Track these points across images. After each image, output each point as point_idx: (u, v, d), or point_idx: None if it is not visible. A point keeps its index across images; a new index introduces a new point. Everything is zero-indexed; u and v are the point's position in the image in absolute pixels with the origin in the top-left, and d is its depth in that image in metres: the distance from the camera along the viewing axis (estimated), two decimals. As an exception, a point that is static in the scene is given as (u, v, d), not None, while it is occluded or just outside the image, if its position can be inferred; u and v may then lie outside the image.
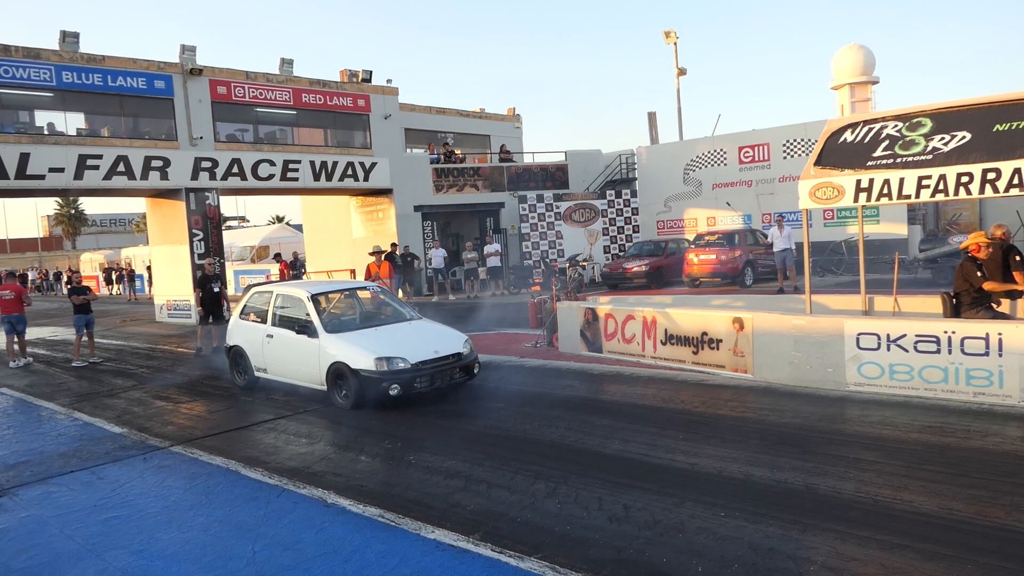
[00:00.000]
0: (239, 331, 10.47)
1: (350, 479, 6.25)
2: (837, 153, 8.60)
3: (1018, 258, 8.42)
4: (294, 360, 9.35)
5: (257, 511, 5.66)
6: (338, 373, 8.65)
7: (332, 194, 25.40)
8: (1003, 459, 5.79)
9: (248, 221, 61.94)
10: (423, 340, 9.00)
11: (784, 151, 23.44)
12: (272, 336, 9.68)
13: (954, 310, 8.22)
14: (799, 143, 22.92)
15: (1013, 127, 7.47)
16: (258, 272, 30.89)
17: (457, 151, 27.43)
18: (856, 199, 8.11)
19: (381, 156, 24.06)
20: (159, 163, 19.60)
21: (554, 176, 27.40)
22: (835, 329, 8.15)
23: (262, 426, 8.30)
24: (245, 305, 10.56)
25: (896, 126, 8.43)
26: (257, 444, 7.58)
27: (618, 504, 5.28)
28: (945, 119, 8.08)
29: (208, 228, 20.47)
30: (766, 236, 21.63)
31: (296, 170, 22.27)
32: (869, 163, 8.17)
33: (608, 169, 27.94)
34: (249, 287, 11.11)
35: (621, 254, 24.45)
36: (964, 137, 7.72)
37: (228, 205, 63.52)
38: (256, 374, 10.08)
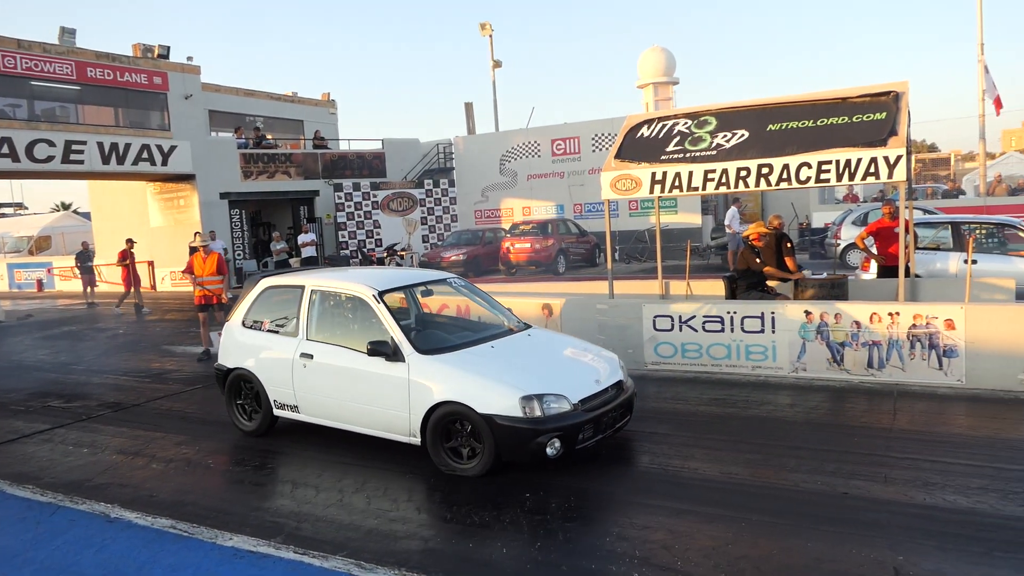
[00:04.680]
0: (244, 348, 6.98)
1: (138, 489, 5.74)
2: (635, 147, 9.10)
3: (789, 245, 9.39)
4: (357, 396, 6.07)
5: (26, 533, 5.05)
6: (448, 420, 5.54)
7: (125, 179, 23.29)
8: (774, 425, 6.43)
9: (27, 208, 55.27)
10: (571, 364, 6.13)
11: (593, 144, 24.58)
12: (311, 357, 6.33)
13: (732, 292, 9.02)
14: (606, 137, 24.13)
15: (783, 127, 8.28)
16: (37, 266, 27.72)
17: (268, 136, 26.13)
18: (652, 190, 8.63)
19: (181, 139, 22.35)
20: (-94, 140, 16.95)
21: (371, 164, 26.90)
22: (634, 312, 8.66)
23: (35, 438, 7.42)
24: (252, 307, 7.11)
25: (686, 123, 9.06)
26: (29, 459, 6.75)
27: (427, 495, 5.27)
28: (727, 118, 8.80)
29: (-28, 216, 17.98)
30: (578, 226, 22.66)
31: (81, 152, 20.12)
32: (663, 157, 8.72)
33: (426, 158, 27.88)
34: (256, 279, 7.37)
35: (439, 243, 24.52)
36: (743, 135, 8.44)
37: (1, 190, 56.21)
38: (277, 413, 6.73)
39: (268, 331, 6.89)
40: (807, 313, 7.74)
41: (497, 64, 32.13)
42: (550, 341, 6.65)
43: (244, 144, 24.51)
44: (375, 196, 24.84)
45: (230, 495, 5.57)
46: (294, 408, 6.57)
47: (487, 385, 5.44)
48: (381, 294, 6.21)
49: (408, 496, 5.26)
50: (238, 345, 7.07)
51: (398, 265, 20.29)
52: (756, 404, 7.08)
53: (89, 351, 12.76)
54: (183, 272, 11.32)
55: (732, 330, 8.12)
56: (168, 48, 22.52)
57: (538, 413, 5.27)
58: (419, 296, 7.31)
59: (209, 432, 7.26)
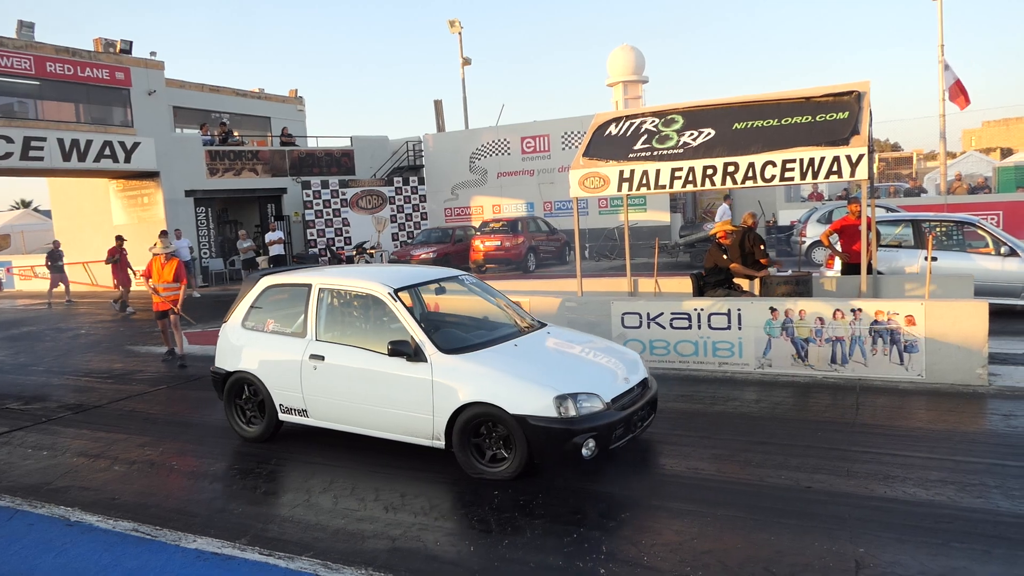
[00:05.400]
0: (245, 350, 6.63)
1: (100, 492, 5.64)
2: (603, 145, 9.14)
3: (762, 247, 9.51)
4: (374, 399, 5.79)
5: (-19, 539, 4.93)
6: (476, 422, 5.34)
7: (87, 176, 22.85)
8: (740, 420, 6.51)
9: (-15, 206, 53.98)
10: (597, 362, 5.89)
11: (562, 142, 24.64)
12: (322, 359, 6.04)
13: (700, 289, 9.11)
14: (576, 135, 24.20)
15: (748, 126, 8.38)
16: (-4, 264, 27.06)
17: (235, 133, 25.79)
18: (619, 188, 8.68)
19: (145, 135, 21.95)
20: None
21: (339, 162, 26.69)
22: (603, 310, 8.71)
23: (-7, 440, 7.25)
24: (253, 307, 6.77)
25: (653, 122, 9.13)
26: (-15, 461, 6.60)
27: (395, 493, 5.25)
28: (694, 117, 8.88)
29: (-74, 214, 17.49)
30: (548, 224, 22.71)
31: (41, 148, 19.66)
32: (631, 155, 8.77)
33: (395, 156, 27.75)
34: (256, 277, 6.97)
35: (409, 241, 24.42)
36: (709, 134, 8.52)
37: (-42, 187, 54.89)
38: (283, 418, 6.43)
39: (272, 332, 6.54)
40: (772, 310, 7.84)
41: (466, 61, 32.05)
42: (570, 338, 6.37)
43: (210, 141, 24.16)
44: (344, 194, 24.65)
45: (194, 497, 5.49)
46: (302, 412, 6.26)
47: (518, 385, 5.23)
48: (397, 292, 5.93)
49: (375, 495, 5.23)
50: (238, 347, 6.69)
51: (367, 263, 20.17)
52: (723, 400, 7.15)
53: (49, 352, 12.50)
54: (142, 274, 10.80)
55: (699, 327, 8.20)
56: (131, 43, 22.11)
57: (572, 413, 5.10)
58: (426, 294, 6.89)
59: (173, 433, 7.16)
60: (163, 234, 13.50)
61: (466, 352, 5.62)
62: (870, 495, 4.75)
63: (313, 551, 4.41)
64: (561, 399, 5.10)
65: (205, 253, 23.57)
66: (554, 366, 5.72)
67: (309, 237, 24.28)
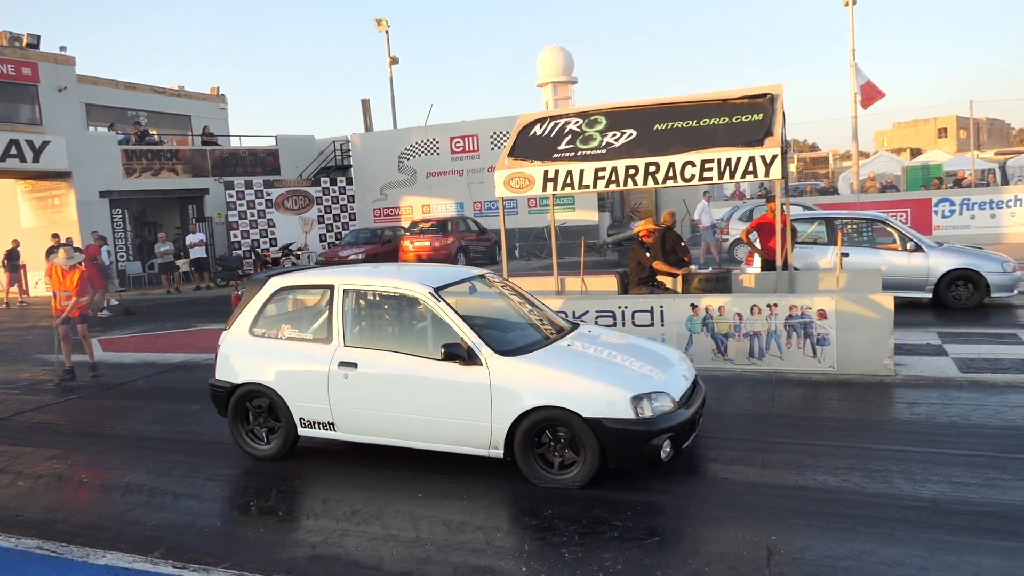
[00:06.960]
0: (255, 359, 5.96)
1: (2, 509, 5.34)
2: (528, 146, 9.19)
3: (683, 244, 9.74)
4: (420, 408, 5.31)
5: None
6: (541, 427, 5.01)
7: (-9, 177, 21.66)
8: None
9: None
10: (654, 360, 5.53)
11: (491, 142, 24.67)
12: (355, 366, 5.48)
13: (624, 288, 9.27)
14: (505, 135, 24.25)
15: (669, 127, 8.56)
16: None
17: (152, 131, 24.87)
18: (544, 188, 8.74)
19: (55, 134, 20.94)
20: None
21: (264, 161, 26.05)
22: (529, 309, 8.74)
23: None
24: (261, 313, 6.12)
25: (578, 122, 9.23)
26: None
27: (316, 499, 5.16)
28: (617, 117, 9.01)
29: None
30: (477, 224, 22.72)
31: (-61, 147, 18.58)
32: (555, 155, 8.84)
33: (322, 156, 27.27)
34: (261, 280, 6.32)
35: (337, 242, 24.05)
36: (631, 134, 8.66)
37: None
38: (303, 432, 5.81)
39: (288, 339, 5.94)
40: (693, 306, 8.04)
41: (394, 60, 31.73)
42: (615, 337, 6.11)
43: (126, 140, 23.24)
44: (269, 194, 24.09)
45: (105, 510, 5.27)
46: (328, 426, 5.67)
47: (590, 385, 4.94)
48: (438, 291, 5.51)
49: (295, 502, 5.12)
50: (247, 357, 6.02)
51: (294, 265, 19.76)
52: (646, 396, 7.27)
53: (-50, 363, 11.79)
54: (45, 272, 9.90)
55: (623, 324, 8.34)
56: (38, 37, 21.10)
57: (648, 413, 4.84)
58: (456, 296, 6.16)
59: (83, 445, 6.86)
60: (66, 245, 12.92)
61: (522, 354, 5.25)
62: (783, 484, 4.92)
63: (229, 561, 4.30)
64: (637, 399, 4.86)
65: (122, 256, 22.66)
66: (618, 365, 5.36)
67: (233, 239, 23.62)
